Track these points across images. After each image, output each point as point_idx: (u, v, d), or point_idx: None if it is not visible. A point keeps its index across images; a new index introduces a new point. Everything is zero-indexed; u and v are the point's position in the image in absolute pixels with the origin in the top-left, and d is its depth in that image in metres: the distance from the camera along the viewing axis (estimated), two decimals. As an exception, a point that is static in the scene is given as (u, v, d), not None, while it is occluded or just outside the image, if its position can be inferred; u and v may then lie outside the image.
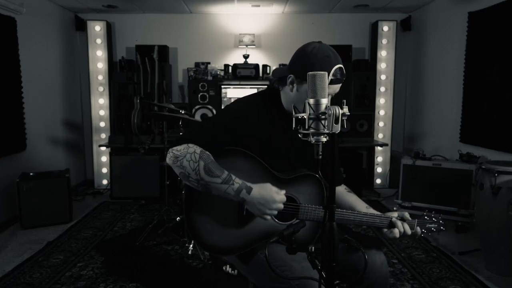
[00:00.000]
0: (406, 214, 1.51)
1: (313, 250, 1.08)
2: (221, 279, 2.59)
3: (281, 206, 1.39)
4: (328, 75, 1.33)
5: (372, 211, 1.54)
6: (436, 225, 1.57)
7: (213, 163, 1.36)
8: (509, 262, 2.64)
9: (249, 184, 1.37)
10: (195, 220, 1.45)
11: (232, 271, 1.61)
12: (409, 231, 1.47)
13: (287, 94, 1.49)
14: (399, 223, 1.46)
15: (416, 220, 1.53)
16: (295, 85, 1.43)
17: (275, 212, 1.40)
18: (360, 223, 1.50)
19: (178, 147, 1.38)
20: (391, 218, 1.48)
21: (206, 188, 1.37)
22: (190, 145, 1.38)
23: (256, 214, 1.39)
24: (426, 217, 1.58)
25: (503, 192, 2.58)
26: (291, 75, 1.43)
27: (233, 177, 1.36)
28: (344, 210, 1.47)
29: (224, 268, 1.63)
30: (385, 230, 1.48)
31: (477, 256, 2.94)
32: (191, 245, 3.03)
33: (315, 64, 1.34)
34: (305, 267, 1.29)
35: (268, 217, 1.40)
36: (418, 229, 1.51)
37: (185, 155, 1.36)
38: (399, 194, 4.04)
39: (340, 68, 1.37)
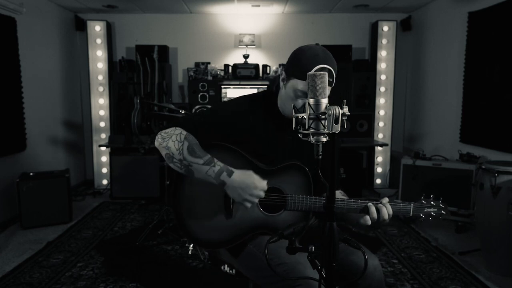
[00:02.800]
0: (384, 200, 1.43)
1: (313, 250, 1.08)
2: (220, 279, 2.59)
3: (262, 193, 1.37)
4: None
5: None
6: (436, 210, 1.48)
7: (197, 145, 1.39)
8: (509, 262, 2.64)
9: (230, 168, 1.37)
10: (183, 214, 1.46)
11: (230, 271, 1.61)
12: (386, 216, 1.36)
13: (280, 93, 1.50)
14: (372, 208, 1.36)
15: (412, 204, 1.46)
16: (284, 81, 1.44)
17: (255, 200, 1.37)
18: (341, 210, 1.40)
19: (166, 130, 1.43)
20: (367, 203, 1.38)
21: (188, 169, 1.37)
22: (178, 128, 1.42)
23: (236, 199, 1.38)
24: (423, 201, 1.49)
25: (503, 192, 2.58)
26: (283, 72, 1.45)
27: (216, 160, 1.37)
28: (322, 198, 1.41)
29: (222, 267, 1.63)
30: (361, 219, 1.39)
31: (477, 256, 2.94)
32: (191, 245, 3.03)
33: (301, 60, 1.34)
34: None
35: (249, 204, 1.38)
36: (389, 209, 1.39)
37: (171, 136, 1.39)
38: (399, 194, 4.03)
39: (324, 68, 1.29)
